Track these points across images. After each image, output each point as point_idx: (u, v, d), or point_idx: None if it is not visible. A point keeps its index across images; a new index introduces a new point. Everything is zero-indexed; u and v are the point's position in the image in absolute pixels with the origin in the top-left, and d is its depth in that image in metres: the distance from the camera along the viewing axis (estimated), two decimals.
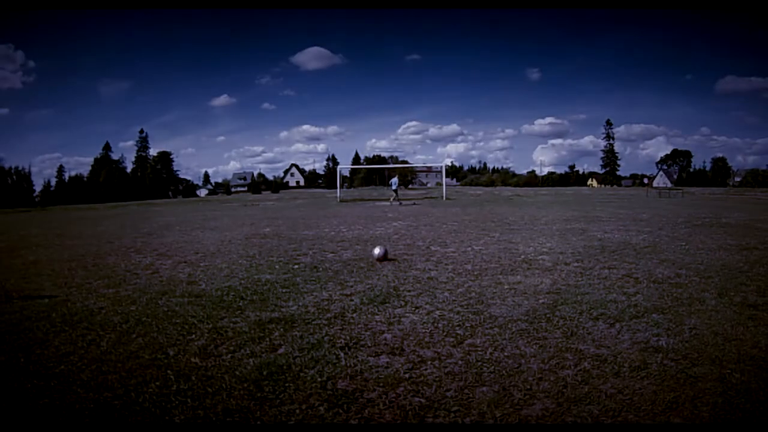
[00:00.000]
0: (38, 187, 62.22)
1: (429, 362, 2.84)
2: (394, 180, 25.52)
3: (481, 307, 3.93)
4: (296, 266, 5.88)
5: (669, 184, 65.07)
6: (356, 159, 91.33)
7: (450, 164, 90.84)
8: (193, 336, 3.34)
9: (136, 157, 73.92)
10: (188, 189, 77.90)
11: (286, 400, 2.40)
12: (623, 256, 6.18)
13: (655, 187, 47.41)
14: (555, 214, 13.75)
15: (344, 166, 78.24)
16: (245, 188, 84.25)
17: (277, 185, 79.72)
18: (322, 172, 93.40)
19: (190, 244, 8.26)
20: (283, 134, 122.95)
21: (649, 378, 2.56)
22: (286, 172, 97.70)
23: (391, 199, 23.31)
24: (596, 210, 15.41)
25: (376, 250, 6.24)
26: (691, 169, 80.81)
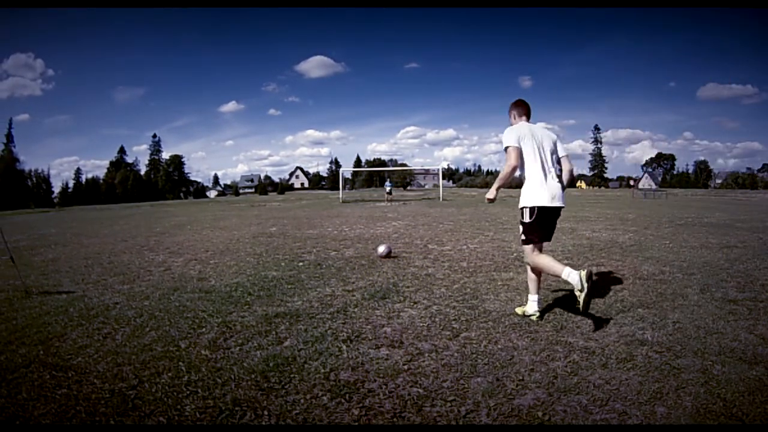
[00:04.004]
0: (57, 189, 62.50)
1: (427, 354, 2.84)
2: (387, 183, 26.68)
3: (476, 302, 3.93)
4: (301, 263, 5.88)
5: (654, 186, 65.05)
6: (358, 162, 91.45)
7: (446, 167, 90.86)
8: (204, 329, 3.34)
9: (149, 160, 74.14)
10: (199, 190, 77.96)
11: (292, 390, 2.39)
12: (610, 254, 6.18)
13: (641, 189, 47.37)
14: None
15: (346, 169, 78.21)
16: (252, 190, 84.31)
17: (283, 187, 79.76)
18: (326, 175, 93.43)
19: (201, 243, 8.25)
20: (289, 138, 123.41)
21: (634, 369, 2.56)
22: (291, 174, 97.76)
23: (387, 198, 23.96)
24: (585, 210, 15.40)
25: (381, 248, 6.24)
26: (675, 172, 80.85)
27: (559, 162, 3.42)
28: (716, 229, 9.19)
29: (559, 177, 3.35)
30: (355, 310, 3.78)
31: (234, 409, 2.22)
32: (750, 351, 2.77)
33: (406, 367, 2.66)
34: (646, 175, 79.22)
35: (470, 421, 2.11)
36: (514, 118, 3.54)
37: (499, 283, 4.59)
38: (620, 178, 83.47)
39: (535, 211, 3.24)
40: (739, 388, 2.30)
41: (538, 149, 3.27)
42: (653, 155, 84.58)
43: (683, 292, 4.15)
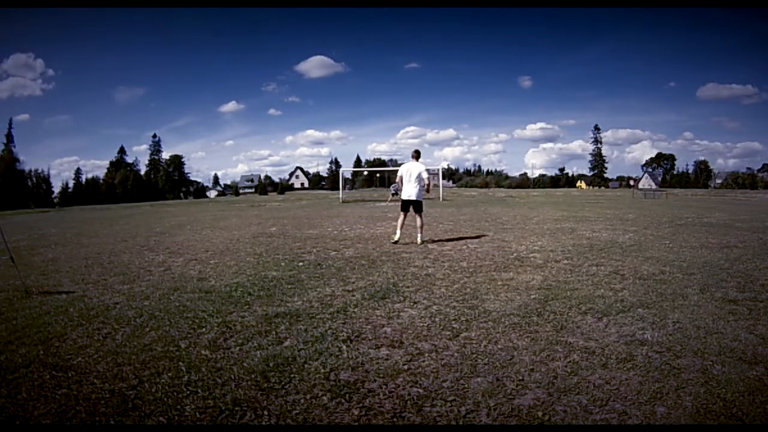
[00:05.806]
0: (57, 189, 62.30)
1: (427, 354, 2.84)
2: (394, 185, 27.55)
3: (476, 302, 3.93)
4: (301, 263, 5.88)
5: (654, 186, 65.06)
6: (358, 162, 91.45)
7: (446, 167, 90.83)
8: (204, 329, 3.34)
9: (149, 160, 74.05)
10: (199, 190, 77.90)
11: (292, 390, 2.40)
12: (610, 254, 6.18)
13: (641, 189, 47.41)
14: (546, 214, 13.74)
15: (346, 169, 78.05)
16: (252, 190, 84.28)
17: (283, 187, 79.77)
18: (326, 175, 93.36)
19: (201, 243, 8.25)
20: (289, 138, 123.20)
21: (634, 369, 2.56)
22: (291, 174, 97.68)
23: (389, 199, 24.63)
24: (585, 210, 15.41)
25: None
26: (675, 172, 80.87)
27: (420, 179, 7.29)
28: (716, 229, 9.20)
29: (419, 187, 7.30)
30: (355, 310, 3.78)
31: (234, 409, 2.22)
32: (750, 351, 2.77)
33: (406, 367, 2.67)
34: (646, 175, 79.19)
35: (470, 421, 2.11)
36: (411, 158, 7.49)
37: (499, 283, 4.59)
38: (620, 178, 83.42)
39: (403, 200, 7.48)
40: (739, 388, 2.31)
41: (409, 176, 7.33)
42: (653, 155, 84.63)
43: (683, 292, 4.15)
